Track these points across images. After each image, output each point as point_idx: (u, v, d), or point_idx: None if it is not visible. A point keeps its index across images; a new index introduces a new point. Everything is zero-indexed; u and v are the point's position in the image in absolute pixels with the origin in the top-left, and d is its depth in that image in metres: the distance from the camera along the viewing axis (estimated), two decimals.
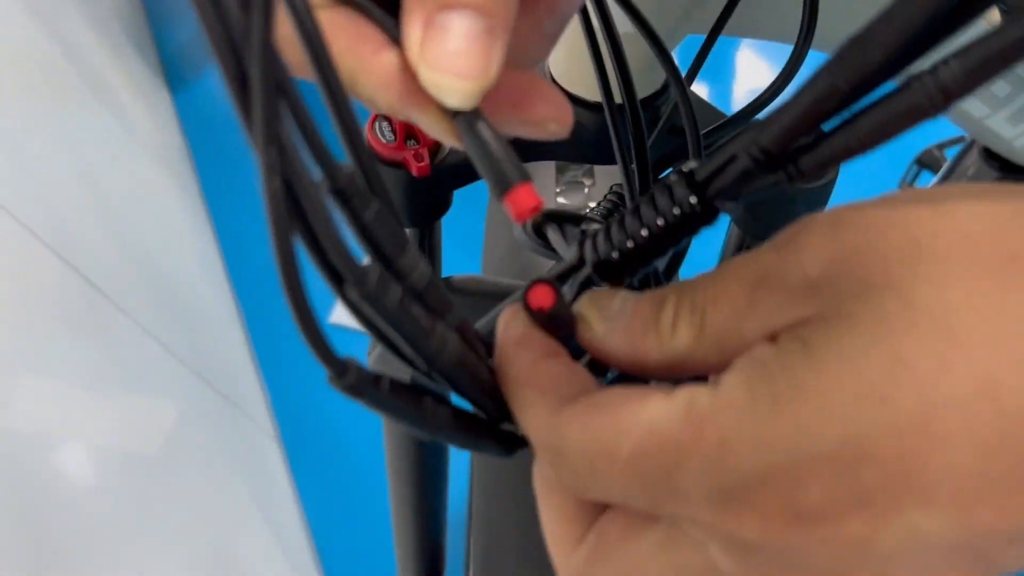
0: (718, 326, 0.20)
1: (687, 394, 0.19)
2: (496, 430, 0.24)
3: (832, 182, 0.48)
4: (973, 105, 0.46)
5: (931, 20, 0.18)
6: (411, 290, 0.21)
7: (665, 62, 0.38)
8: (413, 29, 0.22)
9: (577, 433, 0.21)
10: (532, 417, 0.22)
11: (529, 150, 0.50)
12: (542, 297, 0.24)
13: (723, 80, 1.83)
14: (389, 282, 0.20)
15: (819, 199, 0.49)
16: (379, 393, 0.21)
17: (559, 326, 0.24)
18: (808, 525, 0.17)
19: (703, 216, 0.22)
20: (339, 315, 1.40)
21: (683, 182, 0.22)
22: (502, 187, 0.23)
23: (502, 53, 0.22)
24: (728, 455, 0.18)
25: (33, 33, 1.21)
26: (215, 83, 1.77)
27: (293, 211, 0.18)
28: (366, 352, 0.63)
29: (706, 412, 0.18)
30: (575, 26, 0.53)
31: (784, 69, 0.42)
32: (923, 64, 0.19)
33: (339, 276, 0.20)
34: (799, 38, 0.41)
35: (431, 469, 0.73)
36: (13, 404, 0.67)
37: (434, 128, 0.24)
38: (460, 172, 0.48)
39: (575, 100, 0.54)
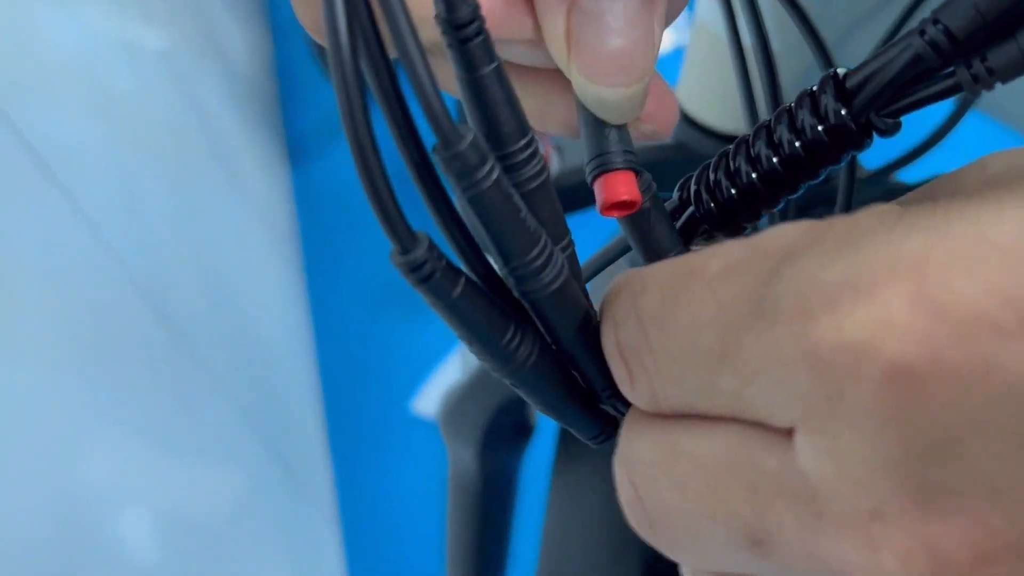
0: None
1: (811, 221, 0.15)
2: (592, 400, 0.19)
3: None
4: None
5: None
6: (519, 187, 0.16)
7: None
8: (554, 14, 0.18)
9: (662, 267, 0.16)
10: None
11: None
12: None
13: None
14: (488, 155, 0.15)
15: None
16: (449, 287, 0.16)
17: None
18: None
19: (852, 134, 0.17)
20: (423, 403, 1.37)
21: (831, 88, 0.17)
22: (599, 164, 0.19)
23: (661, 33, 0.18)
24: (855, 247, 0.13)
25: (170, 98, 1.26)
26: (334, 165, 1.81)
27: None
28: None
29: (834, 219, 0.14)
30: (709, 42, 0.47)
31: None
32: None
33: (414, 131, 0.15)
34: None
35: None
36: (82, 459, 0.65)
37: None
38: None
39: (704, 130, 0.50)
